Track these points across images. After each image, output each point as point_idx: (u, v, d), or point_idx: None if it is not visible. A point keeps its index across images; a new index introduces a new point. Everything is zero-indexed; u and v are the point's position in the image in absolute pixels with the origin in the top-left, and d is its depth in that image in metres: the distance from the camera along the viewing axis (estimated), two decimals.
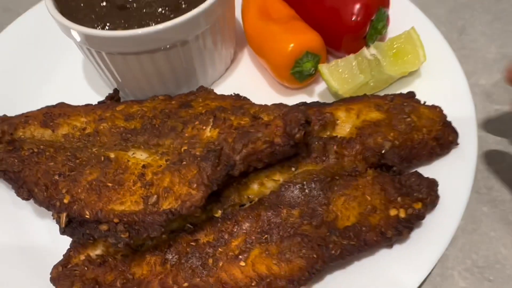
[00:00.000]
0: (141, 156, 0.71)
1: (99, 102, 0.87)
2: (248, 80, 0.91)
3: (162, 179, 0.66)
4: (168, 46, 0.76)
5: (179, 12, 0.76)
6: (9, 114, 0.85)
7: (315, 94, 0.88)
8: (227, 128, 0.70)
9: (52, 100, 0.87)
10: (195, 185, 0.64)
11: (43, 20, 0.98)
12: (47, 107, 0.84)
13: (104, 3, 0.78)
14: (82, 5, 0.79)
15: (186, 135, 0.71)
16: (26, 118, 0.82)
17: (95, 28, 0.75)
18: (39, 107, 0.86)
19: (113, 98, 0.87)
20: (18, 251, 0.74)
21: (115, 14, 0.77)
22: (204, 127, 0.71)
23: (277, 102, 0.84)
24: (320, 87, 0.88)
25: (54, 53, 0.98)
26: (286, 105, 0.73)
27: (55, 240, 0.73)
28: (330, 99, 0.84)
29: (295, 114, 0.68)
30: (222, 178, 0.66)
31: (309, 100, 0.84)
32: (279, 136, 0.66)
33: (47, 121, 0.80)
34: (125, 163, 0.70)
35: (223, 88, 0.90)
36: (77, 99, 0.87)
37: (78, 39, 0.77)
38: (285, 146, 0.66)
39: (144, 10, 0.76)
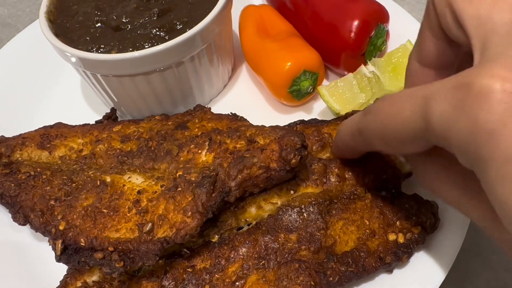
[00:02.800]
0: (137, 180, 0.71)
1: (96, 122, 0.86)
2: (246, 97, 0.90)
3: (157, 206, 0.65)
4: (162, 68, 0.75)
5: (174, 33, 0.75)
6: (5, 133, 0.85)
7: (314, 110, 0.86)
8: (223, 152, 0.69)
9: (49, 118, 0.87)
10: (189, 213, 0.63)
11: (42, 37, 0.98)
12: (44, 127, 0.84)
13: (99, 24, 0.78)
14: (77, 26, 0.79)
15: (182, 159, 0.70)
16: (23, 140, 0.81)
17: (90, 50, 0.75)
18: (36, 125, 0.85)
19: (111, 117, 0.87)
20: (14, 277, 0.73)
21: (109, 35, 0.76)
22: (199, 151, 0.70)
23: (275, 118, 0.84)
24: (318, 103, 0.87)
25: (52, 70, 0.98)
26: (282, 128, 0.72)
27: (52, 265, 0.72)
28: (329, 116, 0.83)
29: (291, 138, 0.67)
30: (217, 205, 0.65)
31: (307, 117, 0.82)
32: (275, 161, 0.65)
33: (44, 142, 0.80)
34: (120, 188, 0.70)
35: (221, 105, 0.90)
36: (75, 117, 0.87)
37: (73, 61, 0.76)
38: (281, 171, 0.65)
39: (139, 32, 0.76)
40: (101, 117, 0.90)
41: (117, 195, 0.69)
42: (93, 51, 0.75)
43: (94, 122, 0.86)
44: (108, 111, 0.92)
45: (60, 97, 0.96)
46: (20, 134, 0.84)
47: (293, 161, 0.65)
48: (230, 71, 0.92)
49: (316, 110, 0.86)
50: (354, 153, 0.67)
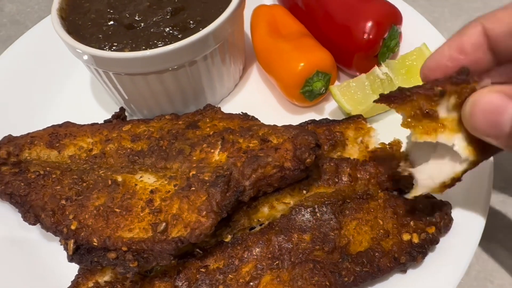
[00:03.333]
0: (149, 179, 0.70)
1: (105, 121, 0.86)
2: (256, 97, 0.90)
3: (170, 206, 0.65)
4: (176, 67, 0.75)
5: (187, 31, 0.75)
6: (14, 132, 0.84)
7: (325, 111, 0.86)
8: (236, 151, 0.68)
9: (58, 117, 0.86)
10: (204, 212, 0.63)
11: (51, 35, 0.98)
12: (53, 126, 0.83)
13: (112, 22, 0.77)
14: (89, 24, 0.78)
15: (194, 158, 0.70)
16: (32, 139, 0.81)
17: (102, 48, 0.74)
18: (45, 124, 0.85)
19: (119, 116, 0.86)
20: (24, 277, 0.72)
21: (122, 33, 0.76)
22: (212, 150, 0.70)
23: (286, 119, 0.84)
24: (329, 104, 0.86)
25: (61, 68, 0.97)
26: (295, 127, 0.72)
27: (62, 265, 0.72)
28: (339, 116, 0.83)
29: (305, 138, 0.67)
30: (231, 204, 0.64)
31: (318, 117, 0.82)
32: (289, 160, 0.65)
33: (53, 141, 0.79)
34: (132, 188, 0.69)
35: (232, 105, 0.89)
36: (83, 116, 0.86)
37: (85, 59, 0.76)
38: (295, 170, 0.65)
39: (152, 30, 0.75)
40: (110, 116, 0.90)
41: (129, 194, 0.69)
42: (105, 49, 0.74)
43: (103, 121, 0.86)
44: (117, 109, 0.91)
45: (68, 96, 0.95)
46: (28, 133, 0.83)
47: (308, 160, 0.64)
48: (241, 70, 0.92)
49: (327, 110, 0.86)
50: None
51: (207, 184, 0.65)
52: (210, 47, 0.75)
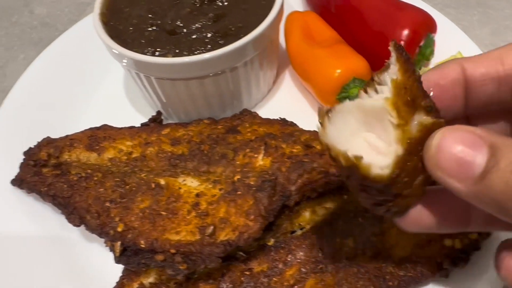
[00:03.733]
0: (192, 183, 0.71)
1: (142, 124, 0.87)
2: (290, 102, 0.91)
3: (217, 209, 0.66)
4: (217, 72, 0.76)
5: (228, 37, 0.76)
6: (50, 134, 0.85)
7: None
8: (280, 156, 0.70)
9: (93, 120, 0.87)
10: (252, 216, 0.64)
11: (84, 39, 0.99)
12: (91, 129, 0.85)
13: (154, 28, 0.79)
14: (130, 29, 0.79)
15: (238, 163, 0.71)
16: (71, 141, 0.82)
17: (145, 53, 0.75)
18: (80, 127, 0.86)
19: (156, 120, 0.88)
20: (67, 278, 0.73)
21: (164, 39, 0.77)
22: (255, 155, 0.71)
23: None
24: None
25: (93, 72, 0.98)
26: None
27: (105, 266, 0.73)
28: None
29: None
30: (278, 209, 0.66)
31: None
32: (334, 166, 0.66)
33: (93, 144, 0.80)
34: (177, 191, 0.71)
35: (267, 110, 0.90)
36: (118, 118, 0.87)
37: (128, 64, 0.77)
38: (340, 176, 0.66)
39: (194, 36, 0.76)
40: (145, 119, 0.91)
41: (174, 197, 0.70)
42: (148, 54, 0.75)
43: (139, 125, 0.87)
44: (152, 112, 0.93)
45: (102, 99, 0.96)
46: (67, 136, 0.84)
47: None
48: (275, 75, 0.93)
49: None
50: None
51: (253, 188, 0.67)
52: (251, 54, 0.77)
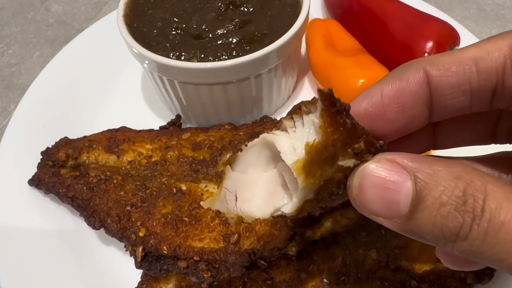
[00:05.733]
0: (214, 189, 0.71)
1: (161, 128, 0.86)
2: None
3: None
4: (241, 79, 0.76)
5: (254, 44, 0.76)
6: (67, 134, 0.84)
7: None
8: None
9: (109, 120, 0.87)
10: (278, 225, 0.64)
11: (102, 38, 0.98)
12: (110, 131, 0.84)
13: (178, 31, 0.78)
14: (155, 31, 0.79)
15: None
16: (90, 142, 0.81)
17: (170, 57, 0.75)
18: (96, 127, 0.86)
19: (175, 123, 0.87)
20: (83, 282, 0.72)
21: (189, 43, 0.77)
22: None
23: None
24: None
25: (112, 71, 0.98)
26: None
27: (122, 270, 0.72)
28: None
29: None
30: (303, 219, 0.65)
31: None
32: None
33: (112, 146, 0.80)
34: (199, 197, 0.70)
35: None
36: (135, 119, 0.87)
37: (151, 67, 0.76)
38: None
39: (219, 42, 0.76)
40: (162, 121, 0.91)
41: (196, 204, 0.69)
42: (173, 58, 0.75)
43: (157, 127, 0.87)
44: (170, 115, 0.92)
45: (119, 99, 0.95)
46: (85, 137, 0.84)
47: None
48: (295, 81, 0.93)
49: None
50: None
51: None
52: (276, 61, 0.76)
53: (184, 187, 0.72)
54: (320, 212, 0.67)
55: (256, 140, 0.46)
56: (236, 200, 0.46)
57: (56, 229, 0.77)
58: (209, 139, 0.79)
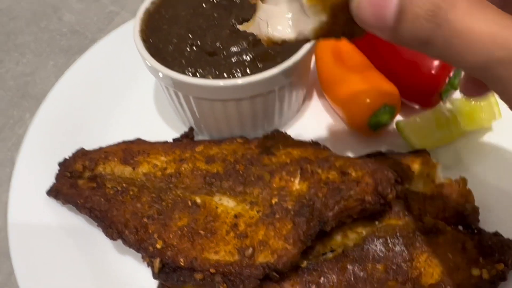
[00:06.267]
0: (228, 203, 0.74)
1: (174, 140, 0.89)
2: (319, 121, 0.93)
3: (256, 231, 0.68)
4: (255, 95, 0.78)
5: (267, 61, 0.78)
6: (82, 144, 0.87)
7: (385, 140, 0.90)
8: (316, 182, 0.72)
9: (123, 131, 0.89)
10: (291, 240, 0.66)
11: (116, 50, 1.01)
12: (125, 142, 0.86)
13: (194, 48, 0.80)
14: (170, 47, 0.81)
15: (274, 185, 0.73)
16: (106, 154, 0.84)
17: (186, 73, 0.77)
18: (110, 138, 0.88)
19: (188, 136, 0.90)
20: None
21: (204, 59, 0.79)
22: (292, 179, 0.73)
23: (349, 146, 0.88)
24: (389, 133, 0.90)
25: (125, 82, 1.00)
26: (371, 160, 0.75)
27: (138, 280, 0.75)
28: (398, 145, 0.86)
29: (384, 173, 0.70)
30: (315, 234, 0.68)
31: (377, 144, 0.87)
32: (369, 194, 0.69)
33: (127, 158, 0.82)
34: (214, 210, 0.73)
35: (296, 130, 0.92)
36: (148, 130, 0.90)
37: (167, 82, 0.79)
38: (375, 204, 0.69)
39: (233, 59, 0.78)
40: (175, 132, 0.94)
41: (211, 217, 0.72)
42: (189, 75, 0.77)
43: (171, 139, 0.89)
44: (182, 126, 0.95)
45: (132, 110, 0.98)
46: (101, 148, 0.86)
47: (390, 196, 0.68)
48: (305, 94, 0.95)
49: (387, 139, 0.90)
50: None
51: (292, 212, 0.69)
52: (288, 79, 0.79)
53: (199, 200, 0.74)
54: (332, 226, 0.70)
55: None
56: (268, 27, 0.56)
57: (73, 238, 0.80)
58: (222, 152, 0.81)
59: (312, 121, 0.94)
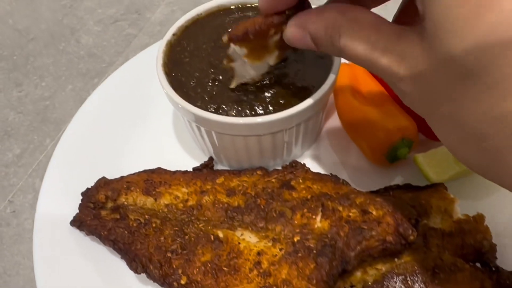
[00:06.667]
0: (251, 238, 0.75)
1: (194, 169, 0.90)
2: (335, 152, 0.95)
3: (279, 270, 0.70)
4: (276, 131, 0.79)
5: (288, 97, 0.79)
6: (103, 173, 0.88)
7: (401, 172, 0.91)
8: (338, 220, 0.73)
9: (142, 159, 0.91)
10: (314, 281, 0.68)
11: (135, 76, 1.02)
12: (146, 172, 0.88)
13: (216, 83, 0.81)
14: (192, 81, 0.82)
15: (296, 222, 0.75)
16: (128, 184, 0.85)
17: (208, 109, 0.79)
18: (130, 165, 0.89)
19: (208, 166, 0.91)
20: None
21: (226, 95, 0.80)
22: (313, 216, 0.74)
23: (366, 177, 0.90)
24: (405, 166, 0.91)
25: (143, 110, 1.01)
26: (391, 198, 0.77)
27: None
28: (415, 176, 0.88)
29: (406, 213, 0.72)
30: (338, 274, 0.69)
31: (393, 176, 0.88)
32: (391, 234, 0.70)
33: (149, 188, 0.84)
34: (237, 246, 0.74)
35: (314, 159, 0.94)
36: (168, 159, 0.91)
37: (191, 118, 0.80)
38: (397, 245, 0.70)
39: (255, 95, 0.79)
40: (194, 160, 0.95)
41: (234, 253, 0.73)
42: (211, 110, 0.78)
43: (191, 168, 0.90)
44: (201, 154, 0.96)
45: (151, 137, 0.99)
46: (122, 177, 0.88)
47: (411, 237, 0.70)
48: (323, 123, 0.96)
49: (404, 171, 0.91)
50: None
51: (314, 251, 0.70)
52: (310, 114, 0.80)
53: (221, 235, 0.76)
54: (354, 266, 0.71)
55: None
56: (245, 75, 0.79)
57: (97, 269, 0.82)
58: (243, 184, 0.83)
59: (329, 150, 0.95)
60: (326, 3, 0.65)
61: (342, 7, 0.54)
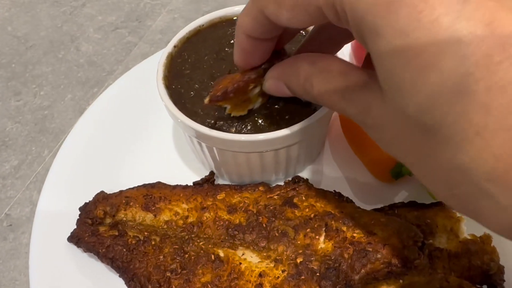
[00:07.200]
0: (252, 258, 0.73)
1: (194, 183, 0.88)
2: (338, 167, 0.93)
3: None
4: (278, 148, 0.78)
5: (292, 114, 0.77)
6: (102, 187, 0.86)
7: (406, 187, 0.89)
8: (341, 241, 0.71)
9: (142, 173, 0.89)
10: None
11: (135, 87, 1.00)
12: (145, 186, 0.86)
13: None
14: (191, 93, 0.80)
15: (299, 242, 0.73)
16: (127, 199, 0.84)
17: (207, 124, 0.77)
18: (128, 178, 0.88)
19: (209, 180, 0.89)
20: None
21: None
22: (317, 237, 0.73)
23: (370, 193, 0.88)
24: (411, 182, 0.89)
25: (143, 122, 0.99)
26: (396, 219, 0.75)
27: None
28: (419, 192, 0.86)
29: (411, 235, 0.70)
30: None
31: (396, 192, 0.86)
32: (396, 257, 0.68)
33: (149, 204, 0.82)
34: (238, 266, 0.72)
35: (317, 174, 0.92)
36: (168, 172, 0.89)
37: (192, 133, 0.78)
38: (403, 267, 0.68)
39: (257, 111, 0.77)
40: (194, 174, 0.93)
41: (235, 274, 0.72)
42: (209, 125, 0.76)
43: (191, 182, 0.89)
44: (202, 167, 0.94)
45: (151, 149, 0.97)
46: (121, 192, 0.86)
47: (417, 261, 0.68)
48: (326, 138, 0.95)
49: (408, 187, 0.89)
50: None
51: (317, 274, 0.68)
52: (314, 130, 0.78)
53: (222, 254, 0.74)
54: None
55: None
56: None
57: (95, 286, 0.80)
58: (244, 201, 0.81)
59: (333, 165, 0.93)
60: (297, 50, 0.71)
61: (313, 57, 0.56)
